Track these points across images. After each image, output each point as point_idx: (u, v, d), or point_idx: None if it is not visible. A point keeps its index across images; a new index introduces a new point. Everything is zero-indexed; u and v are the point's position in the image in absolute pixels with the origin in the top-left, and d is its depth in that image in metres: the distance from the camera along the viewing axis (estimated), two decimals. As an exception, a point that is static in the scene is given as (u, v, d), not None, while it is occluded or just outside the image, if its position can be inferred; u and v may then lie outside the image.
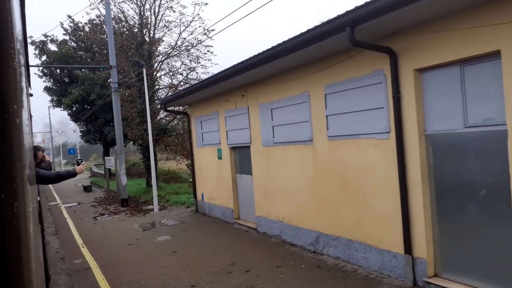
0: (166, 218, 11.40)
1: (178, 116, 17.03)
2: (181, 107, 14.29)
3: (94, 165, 37.31)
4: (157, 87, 16.31)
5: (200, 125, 11.22)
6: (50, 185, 24.76)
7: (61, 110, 25.66)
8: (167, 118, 17.55)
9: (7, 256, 0.56)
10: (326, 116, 6.23)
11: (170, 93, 15.18)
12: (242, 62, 7.23)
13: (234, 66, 7.56)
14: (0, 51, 0.56)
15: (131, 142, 25.44)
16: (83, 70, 22.54)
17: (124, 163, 14.06)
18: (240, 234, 8.69)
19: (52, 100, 25.38)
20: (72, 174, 5.34)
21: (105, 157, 16.36)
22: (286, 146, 7.35)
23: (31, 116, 3.98)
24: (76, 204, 16.15)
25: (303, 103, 6.76)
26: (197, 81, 15.30)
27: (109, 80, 23.07)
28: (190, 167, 12.15)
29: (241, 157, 9.34)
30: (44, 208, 15.90)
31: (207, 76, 9.79)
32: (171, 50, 15.90)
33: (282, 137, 7.43)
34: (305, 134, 6.77)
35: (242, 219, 9.47)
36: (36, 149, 5.47)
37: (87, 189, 20.57)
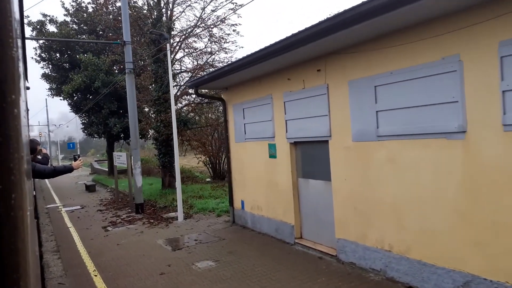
0: (196, 231, 9.01)
1: (203, 104, 14.59)
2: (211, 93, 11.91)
3: (95, 161, 34.79)
4: (176, 70, 13.86)
5: (241, 114, 8.82)
6: (48, 184, 22.33)
7: (60, 99, 23.19)
8: (186, 108, 15.07)
9: (4, 248, 0.56)
10: (503, 92, 3.85)
11: (194, 77, 12.74)
12: (330, 19, 4.86)
13: (311, 27, 5.19)
14: (2, 37, 0.56)
15: (140, 136, 23.02)
16: (86, 54, 20.04)
17: (140, 160, 11.65)
18: (311, 262, 6.29)
19: (51, 89, 22.87)
20: (69, 170, 5.26)
21: (114, 153, 13.94)
22: (403, 140, 4.95)
23: (27, 110, 3.59)
24: (79, 207, 13.73)
25: (447, 73, 4.36)
26: (221, 66, 12.90)
27: (114, 67, 20.63)
28: (227, 167, 9.73)
29: (308, 156, 6.96)
30: (42, 211, 13.50)
31: (240, 57, 7.43)
32: (193, 27, 13.43)
33: (394, 127, 5.04)
34: (448, 122, 4.38)
35: (307, 240, 7.09)
36: (34, 143, 5.40)
37: (90, 188, 18.14)
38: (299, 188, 7.23)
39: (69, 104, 23.18)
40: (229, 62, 7.57)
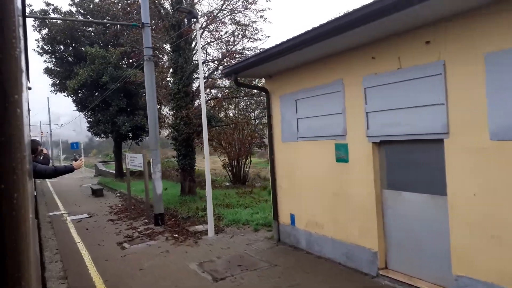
0: (235, 251, 7.29)
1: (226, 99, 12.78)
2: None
3: (100, 162, 33.06)
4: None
5: (293, 106, 7.10)
6: (50, 187, 20.66)
7: (64, 96, 21.50)
8: (208, 104, 13.25)
9: (6, 247, 0.57)
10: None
11: (227, 65, 10.94)
12: None
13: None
14: (2, 39, 0.56)
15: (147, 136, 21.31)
16: (93, 46, 18.35)
17: (160, 163, 9.94)
18: (417, 306, 4.55)
19: (54, 84, 21.18)
20: (70, 170, 5.20)
21: (127, 154, 12.25)
22: None
23: (29, 110, 2.29)
24: (86, 216, 12.02)
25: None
26: (252, 54, 11.17)
27: (123, 60, 18.95)
28: (270, 172, 8.01)
29: (402, 160, 5.22)
30: (44, 220, 11.80)
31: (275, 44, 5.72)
32: (219, 10, 11.67)
33: None
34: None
35: (397, 272, 5.35)
36: (35, 143, 5.39)
37: (97, 193, 16.42)
38: (385, 203, 5.49)
39: (73, 101, 21.48)
40: (285, 40, 5.87)
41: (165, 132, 14.49)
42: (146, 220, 10.57)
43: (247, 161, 15.70)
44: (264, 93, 8.18)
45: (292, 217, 7.34)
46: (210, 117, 11.77)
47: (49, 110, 44.57)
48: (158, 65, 13.95)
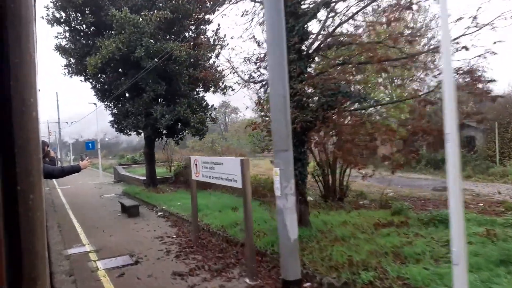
0: None
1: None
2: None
3: (120, 165, 28.25)
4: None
5: None
6: (63, 198, 15.86)
7: (81, 81, 16.69)
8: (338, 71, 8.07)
9: (22, 248, 0.57)
10: None
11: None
12: None
13: None
14: (18, 45, 0.58)
15: (184, 131, 16.38)
16: (122, 8, 13.49)
17: (294, 178, 4.99)
18: None
19: (68, 65, 16.37)
20: (77, 170, 5.21)
21: (199, 158, 7.44)
22: None
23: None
24: (129, 260, 7.15)
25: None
26: None
27: (161, 33, 14.21)
28: None
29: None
30: (58, 264, 7.04)
31: None
32: None
33: None
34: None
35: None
36: (42, 144, 5.12)
37: (130, 211, 11.52)
38: None
39: (93, 88, 16.65)
40: None
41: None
42: (248, 280, 5.68)
43: (347, 168, 10.80)
44: None
45: None
46: (346, 93, 6.77)
47: (58, 106, 39.99)
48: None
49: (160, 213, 11.75)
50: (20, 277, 0.57)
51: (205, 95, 16.45)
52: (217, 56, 16.89)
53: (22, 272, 0.57)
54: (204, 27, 16.03)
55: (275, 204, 9.65)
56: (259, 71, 8.93)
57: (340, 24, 7.06)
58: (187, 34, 15.75)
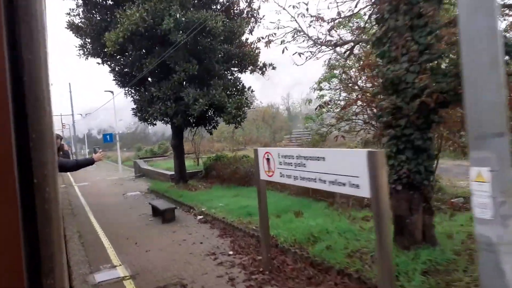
0: None
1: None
2: None
3: (141, 158, 26.30)
4: None
5: None
6: (81, 198, 13.86)
7: (98, 63, 14.60)
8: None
9: (40, 239, 0.58)
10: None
11: None
12: None
13: None
14: (31, 41, 0.58)
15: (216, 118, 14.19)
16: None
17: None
18: None
19: (83, 46, 14.26)
20: (90, 162, 5.22)
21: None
22: None
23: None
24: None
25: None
26: None
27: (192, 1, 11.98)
28: None
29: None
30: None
31: None
32: None
33: None
34: None
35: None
36: (57, 137, 5.27)
37: (165, 216, 9.41)
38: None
39: (111, 70, 14.55)
40: None
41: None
42: None
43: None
44: None
45: None
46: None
47: (71, 97, 38.31)
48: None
49: (200, 217, 9.64)
50: (38, 267, 0.58)
51: (240, 75, 14.20)
52: (251, 31, 14.63)
53: (40, 262, 0.58)
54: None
55: (347, 206, 7.47)
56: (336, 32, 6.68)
57: None
58: (219, 3, 13.46)
